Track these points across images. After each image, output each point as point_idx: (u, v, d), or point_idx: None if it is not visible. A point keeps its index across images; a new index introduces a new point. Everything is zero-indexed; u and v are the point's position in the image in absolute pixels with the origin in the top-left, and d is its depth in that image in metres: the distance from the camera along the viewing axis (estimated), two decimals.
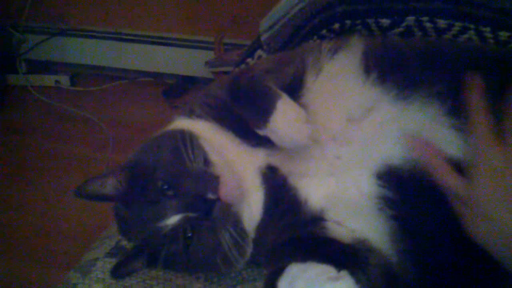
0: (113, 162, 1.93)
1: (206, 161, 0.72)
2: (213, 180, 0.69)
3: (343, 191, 0.73)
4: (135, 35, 2.36)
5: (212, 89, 0.86)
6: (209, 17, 2.16)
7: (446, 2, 0.83)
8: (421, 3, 0.84)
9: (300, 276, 0.62)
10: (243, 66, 1.03)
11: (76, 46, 2.45)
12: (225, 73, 1.85)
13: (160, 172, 0.71)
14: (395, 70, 0.73)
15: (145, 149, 0.79)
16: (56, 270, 1.54)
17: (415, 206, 0.70)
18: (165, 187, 0.70)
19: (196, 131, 0.77)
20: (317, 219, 0.74)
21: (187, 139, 0.73)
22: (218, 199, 0.69)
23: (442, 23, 0.84)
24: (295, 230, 0.75)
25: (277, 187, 0.76)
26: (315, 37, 0.92)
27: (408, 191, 0.70)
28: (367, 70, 0.74)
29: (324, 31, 0.91)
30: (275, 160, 0.76)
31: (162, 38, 2.33)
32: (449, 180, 0.66)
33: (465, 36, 0.84)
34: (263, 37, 0.98)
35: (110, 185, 0.75)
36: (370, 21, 0.88)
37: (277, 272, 0.65)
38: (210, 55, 2.08)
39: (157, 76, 2.41)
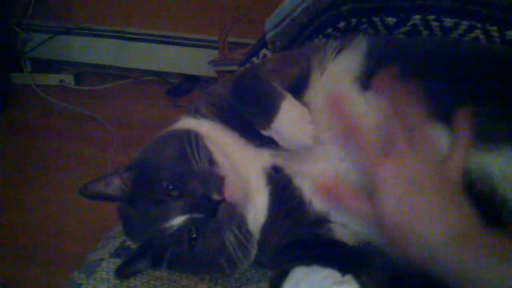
0: (117, 161, 1.93)
1: (211, 162, 0.71)
2: (218, 181, 0.69)
3: None
4: (140, 34, 2.36)
5: (217, 89, 0.86)
6: (213, 16, 2.16)
7: (453, 1, 0.82)
8: (428, 2, 0.83)
9: (304, 280, 0.62)
10: (248, 65, 1.03)
11: (81, 45, 2.46)
12: (229, 72, 1.86)
13: (165, 172, 0.71)
14: (396, 72, 0.73)
15: (150, 149, 0.79)
16: (61, 270, 1.53)
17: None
18: (170, 187, 0.70)
19: (201, 131, 0.77)
20: (322, 221, 0.73)
21: (192, 139, 0.73)
22: (223, 200, 0.69)
23: (448, 21, 0.84)
24: (299, 231, 0.74)
25: (282, 188, 0.76)
26: (320, 36, 0.92)
27: None
28: (368, 71, 0.74)
29: (329, 30, 0.91)
30: (280, 160, 0.76)
31: (166, 37, 2.33)
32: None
33: (472, 35, 0.83)
34: (268, 36, 0.97)
35: (115, 185, 0.75)
36: (376, 19, 0.87)
37: (282, 275, 0.65)
38: (214, 54, 2.08)
39: (161, 75, 2.42)
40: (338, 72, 0.76)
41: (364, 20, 0.88)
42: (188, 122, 0.81)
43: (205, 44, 2.25)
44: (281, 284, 0.64)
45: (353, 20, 0.88)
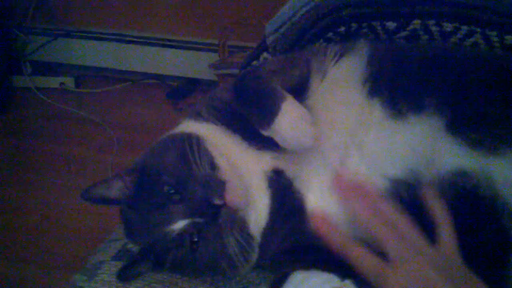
0: (117, 164, 1.93)
1: (213, 166, 0.72)
2: (219, 185, 0.69)
3: None
4: (140, 37, 2.36)
5: (218, 92, 0.86)
6: (214, 19, 2.16)
7: (453, 6, 0.83)
8: (427, 7, 0.84)
9: (303, 284, 0.62)
10: (249, 68, 1.03)
11: (81, 48, 2.46)
12: (230, 75, 1.86)
13: (166, 176, 0.71)
14: (396, 80, 0.74)
15: (152, 152, 0.79)
16: (62, 272, 1.53)
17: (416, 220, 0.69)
18: (172, 191, 0.70)
19: (202, 134, 0.77)
20: None
21: (194, 143, 0.73)
22: (225, 204, 0.69)
23: (448, 26, 0.84)
24: (299, 235, 0.75)
25: (283, 191, 0.76)
26: (321, 40, 0.92)
27: (408, 204, 0.69)
28: (369, 79, 0.74)
29: (330, 34, 0.91)
30: (281, 163, 0.76)
31: (167, 40, 2.33)
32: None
33: (471, 40, 0.84)
34: (269, 40, 0.98)
35: (116, 189, 0.75)
36: (376, 24, 0.87)
37: (281, 279, 0.65)
38: (214, 57, 2.08)
39: (161, 78, 2.42)
40: (340, 77, 0.77)
41: (364, 24, 0.88)
42: (189, 126, 0.82)
43: (206, 47, 2.25)
44: None
45: (354, 25, 0.88)
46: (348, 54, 0.79)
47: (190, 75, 2.35)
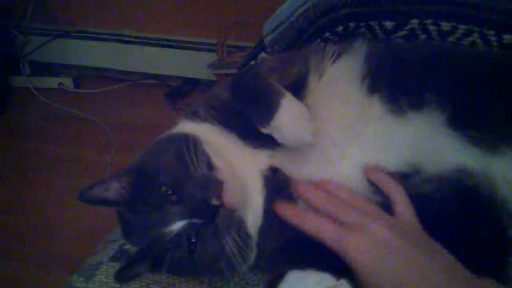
0: (116, 164, 1.93)
1: (210, 166, 0.71)
2: (216, 186, 0.69)
3: None
4: (138, 38, 2.36)
5: (216, 91, 0.86)
6: (212, 19, 2.16)
7: (450, 5, 0.82)
8: (425, 6, 0.83)
9: (298, 284, 0.62)
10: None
11: (80, 48, 2.46)
12: (228, 75, 1.86)
13: (163, 177, 0.71)
14: (396, 77, 0.73)
15: (149, 153, 0.79)
16: (59, 273, 1.54)
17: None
18: (169, 192, 0.70)
19: (199, 135, 0.77)
20: None
21: (191, 144, 0.73)
22: (222, 205, 0.69)
23: (446, 25, 0.84)
24: (294, 234, 0.74)
25: (279, 189, 0.76)
26: (318, 40, 0.92)
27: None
28: (368, 76, 0.74)
29: (327, 34, 0.91)
30: (277, 161, 0.76)
31: (165, 40, 2.33)
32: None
33: (469, 39, 0.84)
34: (267, 40, 0.97)
35: (113, 190, 0.74)
36: (374, 23, 0.87)
37: (277, 279, 0.65)
38: (213, 57, 2.08)
39: (160, 78, 2.42)
40: (338, 75, 0.77)
41: (362, 24, 0.88)
42: (186, 126, 0.82)
43: (204, 47, 2.25)
44: None
45: (351, 24, 0.88)
46: (346, 53, 0.79)
47: (188, 75, 2.36)
